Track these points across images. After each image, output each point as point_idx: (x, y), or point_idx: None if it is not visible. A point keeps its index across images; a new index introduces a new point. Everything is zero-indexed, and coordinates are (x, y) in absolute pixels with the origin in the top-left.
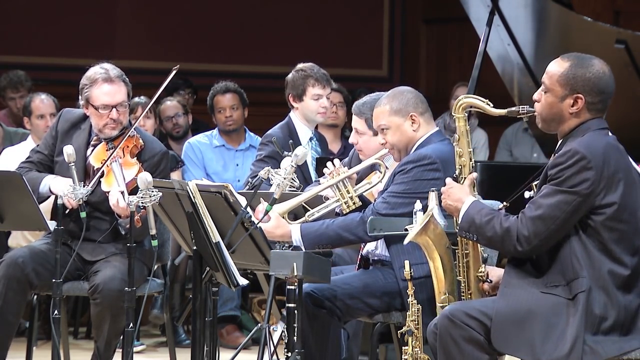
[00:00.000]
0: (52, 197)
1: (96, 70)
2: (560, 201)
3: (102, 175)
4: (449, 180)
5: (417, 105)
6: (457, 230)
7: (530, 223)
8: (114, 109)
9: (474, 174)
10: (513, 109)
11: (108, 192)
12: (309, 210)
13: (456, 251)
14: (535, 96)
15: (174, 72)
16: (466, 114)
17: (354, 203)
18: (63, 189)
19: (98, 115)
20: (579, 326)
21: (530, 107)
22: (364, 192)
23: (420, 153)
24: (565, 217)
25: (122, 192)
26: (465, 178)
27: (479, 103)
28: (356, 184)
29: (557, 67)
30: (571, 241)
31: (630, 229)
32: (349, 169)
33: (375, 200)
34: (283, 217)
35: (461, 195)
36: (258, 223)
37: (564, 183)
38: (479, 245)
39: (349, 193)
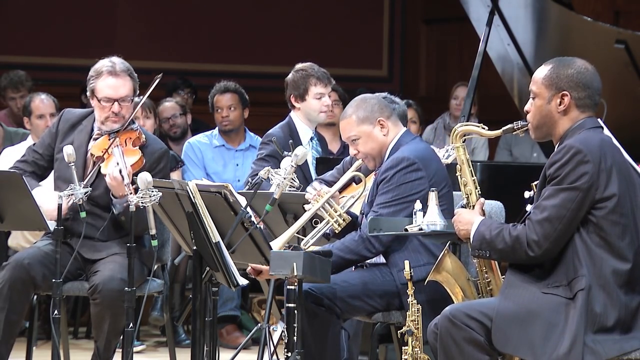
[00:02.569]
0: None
1: (103, 63)
2: (563, 199)
3: (102, 161)
4: (457, 209)
5: (383, 109)
6: (470, 251)
7: (538, 227)
8: (116, 103)
9: (482, 200)
10: (508, 126)
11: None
12: (303, 239)
13: (478, 283)
14: (526, 107)
15: (156, 81)
16: (464, 142)
17: (343, 220)
18: (50, 199)
19: (101, 108)
20: (578, 325)
21: (524, 121)
22: (349, 207)
23: (397, 157)
24: (571, 214)
25: (121, 171)
26: (473, 206)
27: (474, 129)
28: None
29: (540, 71)
30: (573, 240)
31: (631, 224)
32: (351, 166)
33: (362, 212)
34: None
35: (470, 217)
36: (258, 223)
37: (563, 180)
38: (499, 273)
39: (336, 212)
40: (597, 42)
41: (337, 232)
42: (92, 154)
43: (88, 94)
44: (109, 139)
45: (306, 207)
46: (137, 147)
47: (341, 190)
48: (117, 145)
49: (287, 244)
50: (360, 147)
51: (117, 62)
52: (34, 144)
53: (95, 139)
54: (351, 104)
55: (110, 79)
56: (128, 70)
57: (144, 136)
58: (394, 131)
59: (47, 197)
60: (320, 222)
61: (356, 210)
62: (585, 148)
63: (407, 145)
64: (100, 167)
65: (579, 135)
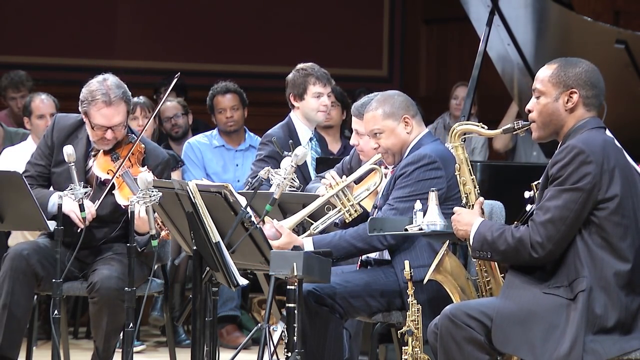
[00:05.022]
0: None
1: (98, 88)
2: (566, 200)
3: (113, 188)
4: (456, 208)
5: (409, 108)
6: (470, 253)
7: (542, 228)
8: (109, 130)
9: (481, 199)
10: (508, 126)
11: (127, 205)
12: (313, 223)
13: (477, 282)
14: (528, 106)
15: (175, 79)
16: (463, 141)
17: (355, 211)
18: (70, 201)
19: (93, 132)
20: (578, 326)
21: (525, 121)
22: (363, 198)
23: (418, 154)
24: (574, 215)
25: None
26: (472, 205)
27: (473, 128)
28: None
29: (546, 70)
30: (574, 241)
31: (633, 225)
32: (350, 166)
33: (374, 202)
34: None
35: (470, 218)
36: (258, 223)
37: (566, 181)
38: (499, 272)
39: (349, 201)
40: (597, 42)
41: (347, 221)
42: (95, 175)
43: (81, 111)
44: (112, 159)
45: (321, 192)
46: (145, 167)
47: (357, 182)
48: (126, 170)
49: (297, 225)
50: (382, 141)
51: (112, 86)
52: (32, 157)
53: (94, 155)
54: (377, 98)
55: (104, 109)
56: (123, 96)
57: (142, 144)
58: (417, 130)
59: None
60: (333, 210)
61: (367, 205)
62: (588, 148)
63: (428, 144)
64: (113, 195)
65: (582, 135)
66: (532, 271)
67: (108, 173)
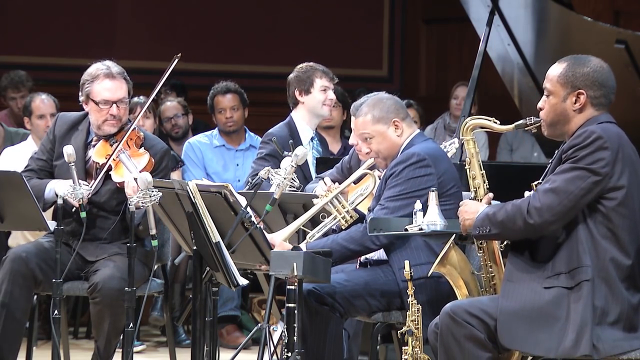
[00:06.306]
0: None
1: (98, 67)
2: (575, 176)
3: (109, 169)
4: (465, 200)
5: (398, 111)
6: (470, 232)
7: (543, 195)
8: (114, 105)
9: (491, 194)
10: (520, 122)
11: (121, 183)
12: (309, 232)
13: (482, 276)
14: (540, 104)
15: (176, 60)
16: (474, 136)
17: (351, 217)
18: (65, 189)
19: (98, 111)
20: (583, 316)
21: (537, 117)
22: (358, 204)
23: (407, 153)
24: (578, 193)
25: (136, 179)
26: (481, 200)
27: (485, 122)
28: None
29: (555, 69)
30: (577, 229)
31: (637, 218)
32: (350, 166)
33: (369, 208)
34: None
35: (477, 207)
36: (258, 223)
37: (580, 161)
38: (503, 266)
39: (344, 208)
40: (597, 42)
41: (343, 228)
42: (95, 162)
43: (82, 98)
44: (110, 144)
45: (315, 200)
46: (142, 148)
47: (355, 183)
48: (123, 151)
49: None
50: (373, 145)
51: (112, 65)
52: (35, 153)
53: (94, 145)
54: (367, 102)
55: (107, 82)
56: (123, 73)
57: (141, 133)
58: (408, 132)
59: (66, 184)
60: (328, 217)
61: (363, 208)
62: (606, 135)
63: (418, 144)
64: (108, 174)
65: (599, 125)
66: (531, 261)
67: (106, 158)
